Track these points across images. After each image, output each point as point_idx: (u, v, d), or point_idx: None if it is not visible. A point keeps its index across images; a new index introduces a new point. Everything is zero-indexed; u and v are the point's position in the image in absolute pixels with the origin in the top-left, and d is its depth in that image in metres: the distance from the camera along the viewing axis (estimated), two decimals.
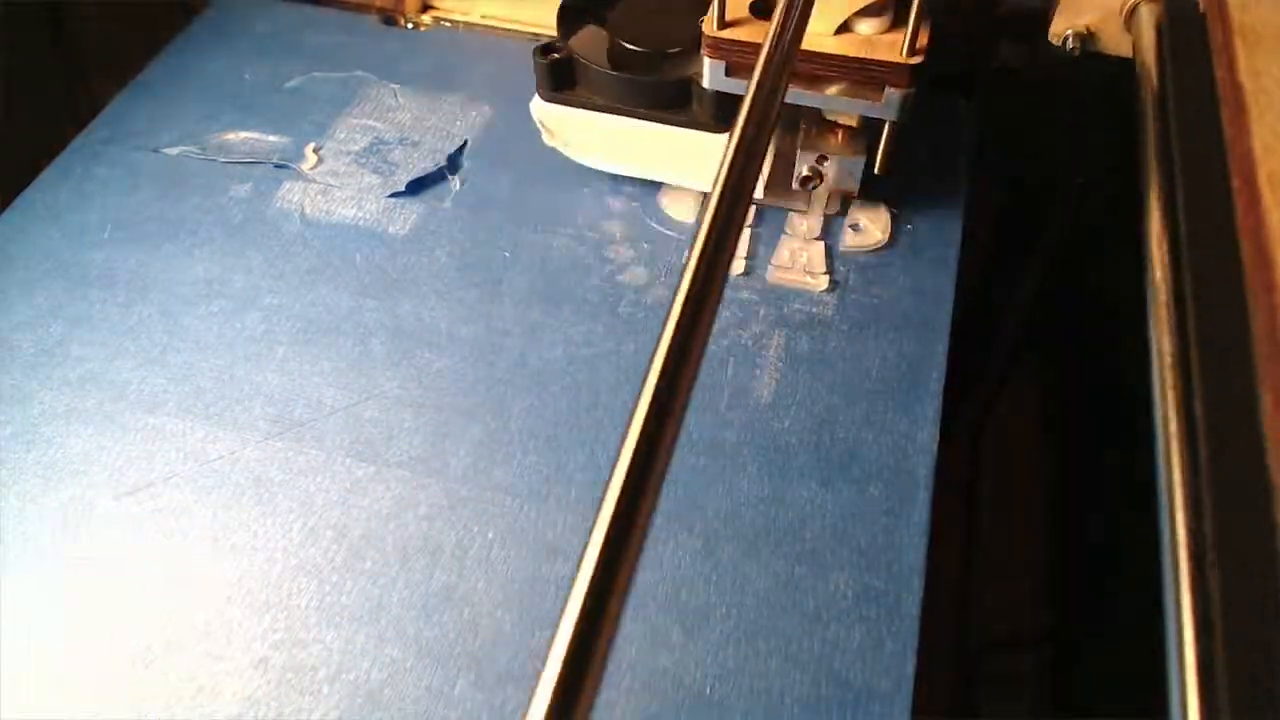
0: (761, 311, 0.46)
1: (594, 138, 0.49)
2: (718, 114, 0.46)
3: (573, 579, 0.18)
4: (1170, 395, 0.30)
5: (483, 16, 0.62)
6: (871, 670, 0.35)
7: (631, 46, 0.46)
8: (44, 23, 0.63)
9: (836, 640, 0.36)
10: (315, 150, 0.53)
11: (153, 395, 0.43)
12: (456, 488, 0.40)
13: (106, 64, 0.65)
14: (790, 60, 0.30)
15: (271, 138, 0.54)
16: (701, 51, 0.42)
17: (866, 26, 0.41)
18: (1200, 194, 0.35)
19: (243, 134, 0.55)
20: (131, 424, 0.42)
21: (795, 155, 0.46)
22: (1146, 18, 0.41)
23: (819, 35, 0.41)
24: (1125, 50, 0.43)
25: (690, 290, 0.22)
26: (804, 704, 0.34)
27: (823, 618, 0.36)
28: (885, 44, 0.41)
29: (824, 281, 0.46)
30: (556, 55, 0.47)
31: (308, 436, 0.42)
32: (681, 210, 0.50)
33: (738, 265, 0.47)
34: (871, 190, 0.49)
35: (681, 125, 0.46)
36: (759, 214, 0.50)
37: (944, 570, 0.41)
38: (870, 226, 0.49)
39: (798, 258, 0.47)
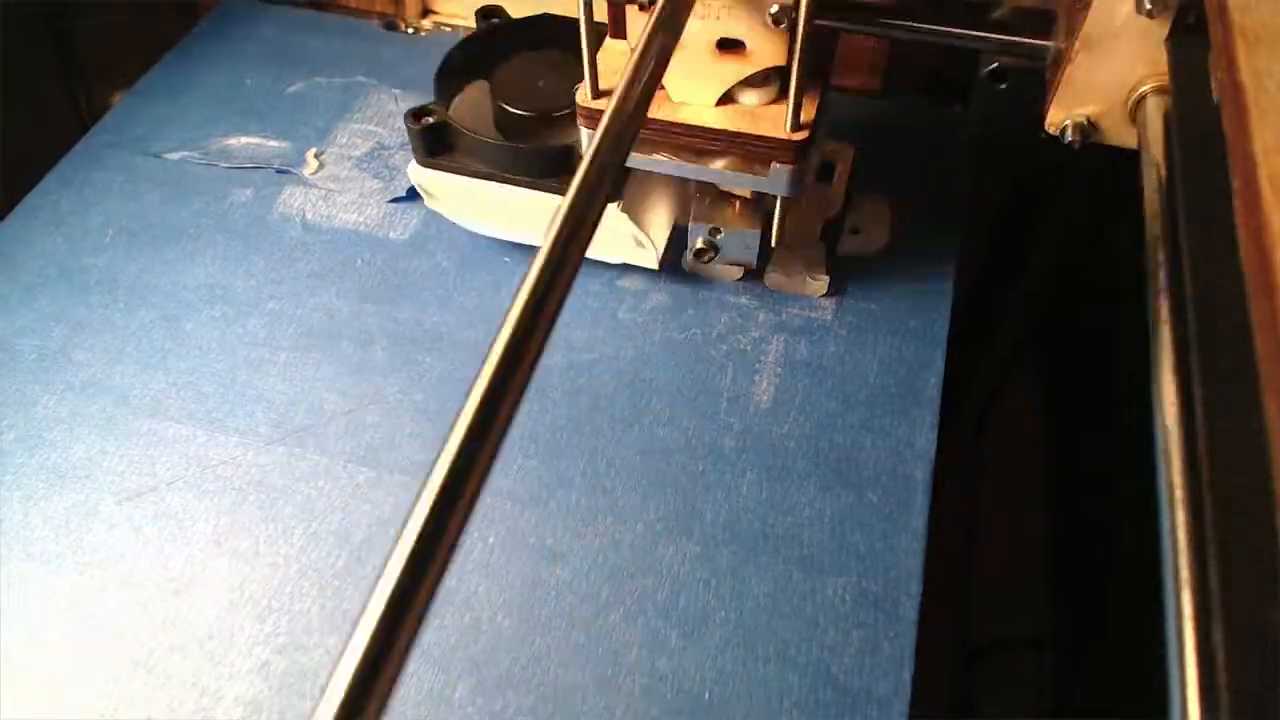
0: (760, 316, 0.46)
1: (475, 204, 0.47)
2: None
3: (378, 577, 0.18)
4: (1171, 396, 0.30)
5: None
6: (869, 675, 0.35)
7: (514, 110, 0.44)
8: (45, 27, 0.63)
9: (834, 645, 0.36)
10: (316, 155, 0.54)
11: (155, 400, 0.44)
12: None
13: (108, 69, 0.65)
14: (632, 128, 0.28)
15: (273, 143, 0.55)
16: (577, 121, 0.40)
17: (750, 98, 0.39)
18: (1201, 195, 0.34)
19: (244, 139, 0.55)
20: (134, 429, 0.43)
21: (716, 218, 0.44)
22: (1154, 109, 0.39)
23: (701, 107, 0.39)
24: (1130, 142, 0.41)
25: (504, 353, 0.21)
26: (802, 708, 0.35)
27: (821, 622, 0.37)
28: (769, 117, 0.39)
29: (823, 286, 0.47)
30: (430, 120, 0.44)
31: (309, 441, 0.42)
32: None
33: (736, 269, 0.47)
34: (872, 193, 0.49)
35: (563, 194, 0.44)
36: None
37: (944, 570, 0.41)
38: (869, 230, 0.49)
39: (796, 262, 0.47)
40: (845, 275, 0.48)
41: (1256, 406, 0.27)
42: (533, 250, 0.51)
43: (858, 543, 0.39)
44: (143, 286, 0.48)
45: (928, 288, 0.47)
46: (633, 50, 0.28)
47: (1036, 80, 0.42)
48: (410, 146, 0.45)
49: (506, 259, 0.49)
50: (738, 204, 0.44)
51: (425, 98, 0.56)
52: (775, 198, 0.42)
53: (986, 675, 0.66)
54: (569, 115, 0.43)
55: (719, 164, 0.40)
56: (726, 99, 0.39)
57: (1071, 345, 0.69)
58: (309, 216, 0.51)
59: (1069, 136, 0.39)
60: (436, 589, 0.18)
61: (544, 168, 0.44)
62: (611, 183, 0.27)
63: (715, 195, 0.44)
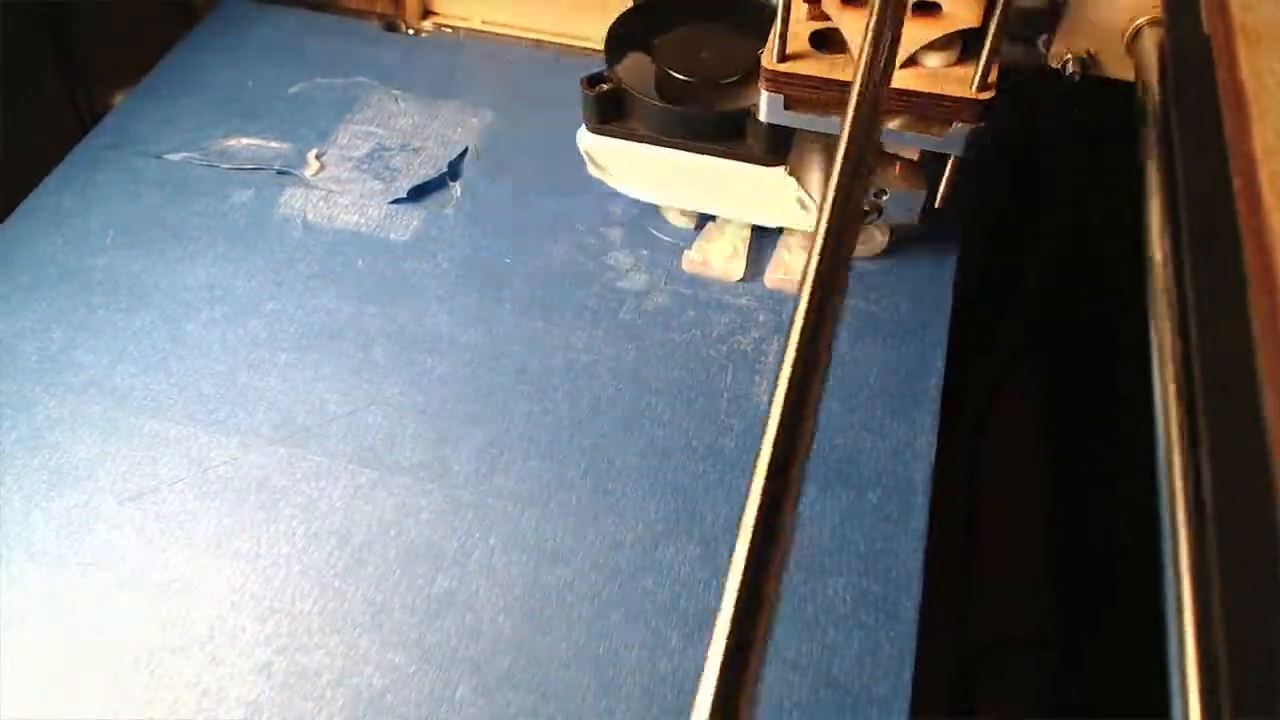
0: (760, 317, 0.46)
1: (641, 170, 0.48)
2: (771, 146, 0.44)
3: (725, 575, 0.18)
4: (1172, 396, 0.30)
5: (483, 22, 0.62)
6: (870, 675, 0.35)
7: (680, 76, 0.45)
8: (45, 27, 0.63)
9: (835, 645, 0.36)
10: (317, 156, 0.54)
11: (156, 401, 0.44)
12: (458, 493, 0.40)
13: (108, 69, 0.65)
14: (879, 100, 0.28)
15: (274, 144, 0.55)
16: (759, 84, 0.41)
17: (934, 60, 0.40)
18: (1201, 195, 0.35)
19: (245, 140, 0.55)
20: (135, 430, 0.43)
21: None
22: (1149, 41, 0.40)
23: None
24: (1127, 74, 0.42)
25: (799, 348, 0.21)
26: (803, 708, 0.35)
27: (821, 623, 0.37)
28: (954, 78, 0.39)
29: None
30: (605, 86, 0.45)
31: (310, 442, 0.42)
32: (680, 217, 0.50)
33: (736, 270, 0.47)
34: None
35: (734, 158, 0.45)
36: None
37: (944, 570, 0.41)
38: (870, 232, 0.49)
39: (796, 262, 0.48)
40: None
41: (1257, 405, 0.27)
42: (547, 245, 0.50)
43: (858, 543, 0.39)
44: (144, 287, 0.48)
45: (928, 289, 0.47)
46: (869, 18, 0.29)
47: (1036, 80, 0.42)
48: (413, 148, 0.45)
49: (508, 260, 0.49)
50: (898, 165, 0.45)
51: (427, 99, 0.57)
52: (945, 159, 0.42)
53: (986, 675, 0.66)
54: (733, 84, 0.45)
55: (894, 123, 0.41)
56: (910, 62, 0.40)
57: (1071, 345, 0.69)
58: (310, 217, 0.51)
59: (1070, 69, 0.41)
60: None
61: (716, 132, 0.45)
62: (871, 163, 0.27)
63: (878, 156, 0.45)
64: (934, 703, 0.58)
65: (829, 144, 0.46)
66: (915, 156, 0.44)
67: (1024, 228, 0.66)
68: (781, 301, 0.47)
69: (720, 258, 0.48)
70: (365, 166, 0.53)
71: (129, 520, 0.40)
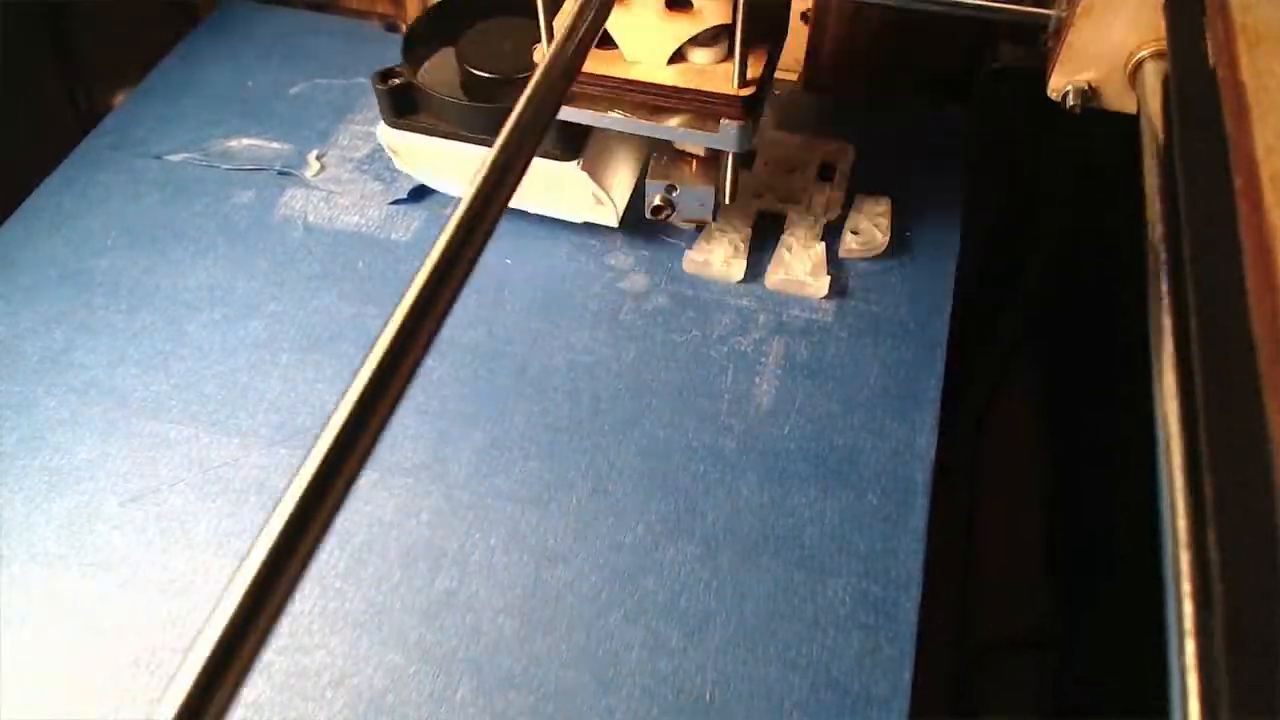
0: (761, 318, 0.46)
1: (442, 163, 0.49)
2: (563, 142, 0.45)
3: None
4: (1171, 396, 0.30)
5: None
6: (869, 675, 0.35)
7: (479, 72, 0.46)
8: (45, 27, 0.63)
9: (835, 646, 0.36)
10: (318, 157, 0.54)
11: (156, 402, 0.44)
12: (458, 494, 0.41)
13: (108, 69, 0.65)
14: (566, 81, 0.29)
15: (274, 144, 0.55)
16: None
17: (700, 56, 0.40)
18: (1201, 194, 0.35)
19: (246, 141, 0.55)
20: (135, 430, 0.43)
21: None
22: (1152, 73, 0.40)
23: (653, 65, 0.40)
24: (1130, 107, 0.42)
25: (418, 295, 0.22)
26: (802, 709, 0.35)
27: (821, 623, 0.37)
28: (719, 74, 0.40)
29: (823, 287, 0.47)
30: (396, 81, 0.46)
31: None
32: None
33: (737, 271, 0.48)
34: (871, 195, 0.50)
35: None
36: (758, 219, 0.50)
37: (943, 571, 0.41)
38: (869, 231, 0.49)
39: (796, 263, 0.48)
40: (845, 276, 0.48)
41: (1257, 405, 0.27)
42: (547, 246, 0.51)
43: (858, 544, 0.39)
44: (144, 288, 0.48)
45: (927, 289, 0.47)
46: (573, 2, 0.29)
47: (1037, 82, 0.42)
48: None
49: (508, 260, 0.49)
50: (694, 162, 0.45)
51: None
52: (728, 155, 0.43)
53: (986, 675, 0.66)
54: (529, 78, 0.45)
55: (673, 121, 0.41)
56: (678, 57, 0.40)
57: (1071, 345, 0.69)
58: (310, 218, 0.51)
59: (1070, 101, 0.40)
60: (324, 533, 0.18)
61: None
62: (541, 134, 0.28)
63: (672, 154, 0.46)
64: (933, 703, 0.58)
65: (625, 140, 0.48)
66: (703, 153, 0.45)
67: (1024, 228, 0.66)
68: (782, 303, 0.47)
69: (720, 258, 0.48)
70: (366, 167, 0.53)
71: (130, 521, 0.40)
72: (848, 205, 0.50)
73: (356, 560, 0.39)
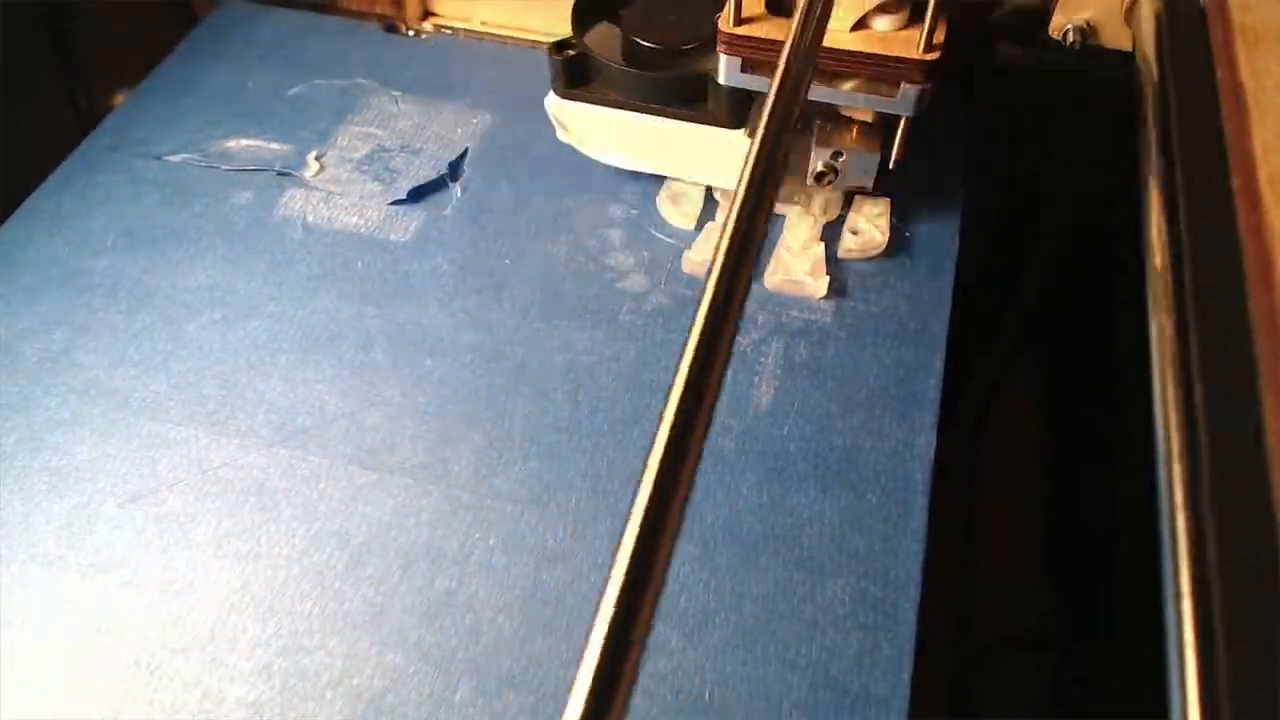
0: (760, 318, 0.46)
1: (609, 134, 0.49)
2: (732, 110, 0.46)
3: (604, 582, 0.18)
4: (1171, 396, 0.30)
5: (483, 24, 0.62)
6: (869, 676, 0.35)
7: (645, 43, 0.47)
8: (45, 27, 0.63)
9: (834, 646, 0.36)
10: (317, 158, 0.54)
11: (156, 402, 0.44)
12: (458, 494, 0.41)
13: (108, 70, 0.65)
14: (812, 58, 0.30)
15: (274, 145, 0.55)
16: (717, 48, 0.43)
17: (883, 23, 0.42)
18: (1201, 194, 0.35)
19: (245, 141, 0.55)
20: (135, 431, 0.43)
21: (808, 152, 0.47)
22: (1147, 11, 0.42)
23: (836, 32, 0.41)
24: (1125, 44, 0.44)
25: (715, 291, 0.22)
26: (802, 709, 0.35)
27: (820, 624, 0.37)
28: (901, 40, 0.41)
29: (822, 288, 0.47)
30: (571, 52, 0.47)
31: (310, 443, 0.42)
32: (680, 217, 0.50)
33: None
34: (870, 196, 0.49)
35: (697, 121, 0.47)
36: None
37: (943, 571, 0.41)
38: (869, 232, 0.49)
39: (796, 263, 0.48)
40: (845, 276, 0.48)
41: (1257, 406, 0.27)
42: (547, 246, 0.51)
43: (857, 544, 0.39)
44: (144, 289, 0.48)
45: (927, 289, 0.47)
46: None
47: (1037, 82, 0.43)
48: (413, 150, 0.46)
49: (508, 260, 0.49)
50: (856, 129, 0.46)
51: (427, 100, 0.57)
52: (898, 120, 0.44)
53: (986, 675, 0.66)
54: (697, 48, 0.46)
55: (849, 85, 0.43)
56: (860, 25, 0.41)
57: (1071, 345, 0.69)
58: (310, 219, 0.51)
59: (1070, 39, 0.43)
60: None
61: (680, 96, 0.47)
62: (794, 121, 0.28)
63: (836, 120, 0.46)
64: (933, 703, 0.58)
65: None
66: (870, 119, 0.46)
67: (1024, 228, 0.66)
68: (781, 303, 0.47)
69: None
70: (365, 168, 0.53)
71: (129, 521, 0.40)
72: (847, 206, 0.50)
73: (356, 561, 0.39)
